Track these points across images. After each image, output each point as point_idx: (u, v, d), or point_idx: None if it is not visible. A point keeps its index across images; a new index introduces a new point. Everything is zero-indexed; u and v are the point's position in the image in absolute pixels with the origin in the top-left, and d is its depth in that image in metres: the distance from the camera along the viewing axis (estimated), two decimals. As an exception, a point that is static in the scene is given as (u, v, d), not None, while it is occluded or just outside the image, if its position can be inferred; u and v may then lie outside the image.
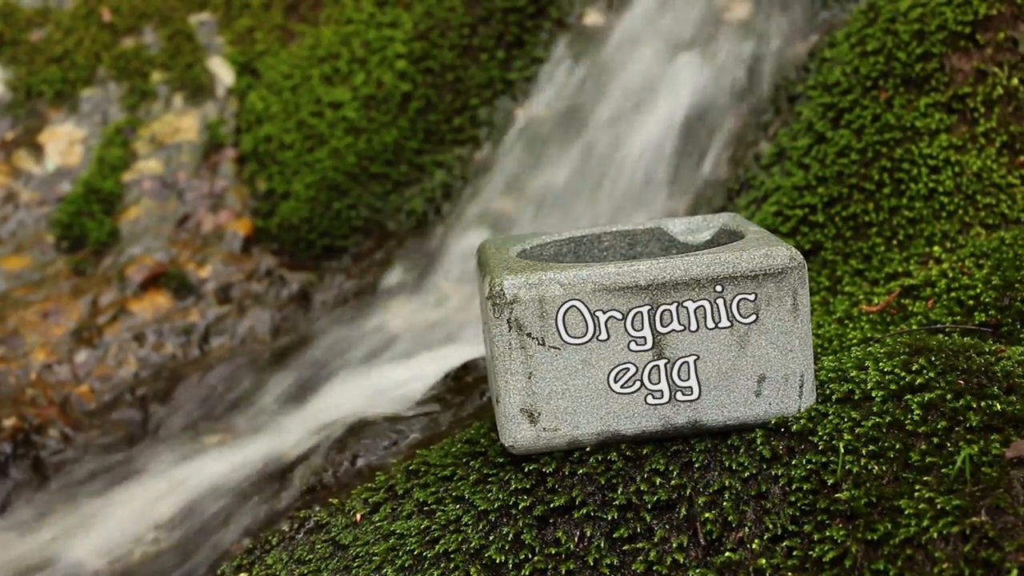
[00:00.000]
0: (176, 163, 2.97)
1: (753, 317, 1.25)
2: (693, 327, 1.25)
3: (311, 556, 1.41)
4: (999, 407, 1.23)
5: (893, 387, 1.28)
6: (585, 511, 1.27)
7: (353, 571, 1.34)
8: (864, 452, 1.22)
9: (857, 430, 1.24)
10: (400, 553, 1.32)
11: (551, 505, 1.28)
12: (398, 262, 2.70)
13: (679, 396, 1.26)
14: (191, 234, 2.84)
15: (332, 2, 3.08)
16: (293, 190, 2.83)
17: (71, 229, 2.86)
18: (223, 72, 3.10)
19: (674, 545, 1.24)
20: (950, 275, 1.64)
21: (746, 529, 1.23)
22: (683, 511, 1.26)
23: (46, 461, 2.28)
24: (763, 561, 1.20)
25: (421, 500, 1.36)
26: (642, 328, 1.25)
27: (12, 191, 2.95)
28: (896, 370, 1.30)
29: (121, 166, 2.96)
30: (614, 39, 2.79)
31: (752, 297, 1.25)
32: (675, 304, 1.24)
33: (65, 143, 3.02)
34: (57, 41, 3.16)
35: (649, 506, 1.26)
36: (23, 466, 2.26)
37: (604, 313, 1.24)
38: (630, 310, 1.24)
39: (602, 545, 1.25)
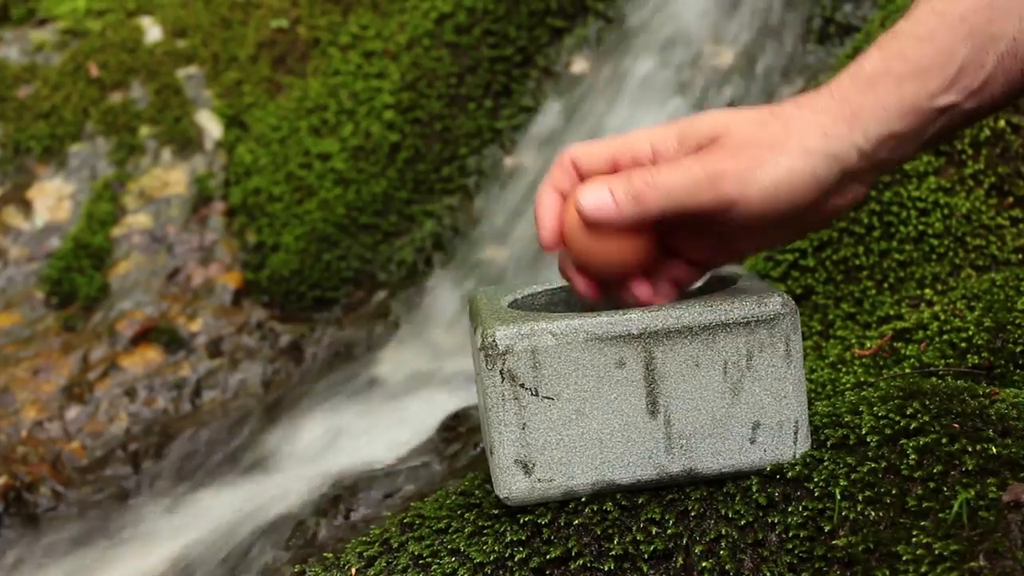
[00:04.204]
0: (165, 217, 2.97)
1: (746, 364, 1.25)
2: (686, 375, 1.25)
3: (306, 612, 1.40)
4: (994, 450, 1.22)
5: (888, 431, 1.28)
6: (581, 562, 1.26)
7: (349, 626, 1.34)
8: (860, 498, 1.22)
9: (853, 476, 1.24)
10: (396, 607, 1.31)
11: (547, 556, 1.27)
12: (389, 312, 2.70)
13: (673, 444, 1.26)
14: (181, 288, 2.83)
15: (319, 54, 3.09)
16: (283, 242, 2.83)
17: (61, 285, 2.86)
18: (211, 125, 3.11)
19: (671, 595, 1.23)
20: (942, 318, 1.64)
21: (744, 577, 1.22)
22: (680, 560, 1.25)
23: (38, 518, 2.26)
24: (761, 610, 1.19)
25: (416, 553, 1.35)
26: (635, 376, 1.24)
27: (1, 247, 2.94)
28: (890, 414, 1.30)
29: (110, 221, 2.96)
30: (601, 86, 2.80)
31: (745, 344, 1.24)
32: (668, 352, 1.24)
33: (54, 199, 3.02)
34: (45, 97, 3.17)
35: (646, 556, 1.25)
36: (15, 524, 2.25)
37: (597, 362, 1.24)
38: (623, 359, 1.24)
39: (599, 596, 1.25)
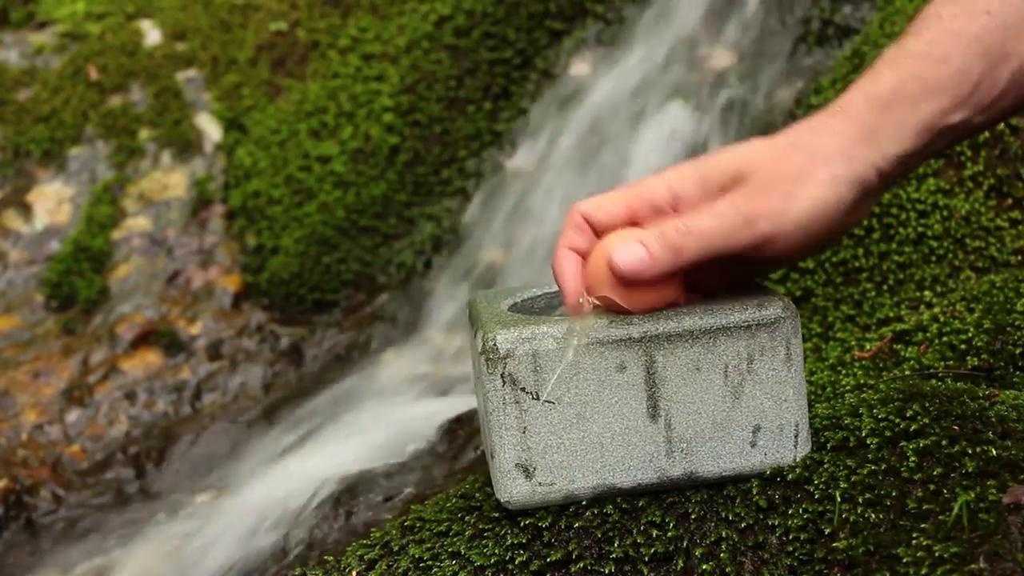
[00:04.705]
0: (165, 220, 2.97)
1: (747, 368, 1.25)
2: (687, 379, 1.25)
3: (307, 615, 1.40)
4: (994, 452, 1.23)
5: (888, 434, 1.28)
6: (582, 565, 1.26)
7: (350, 630, 1.34)
8: (861, 500, 1.22)
9: (853, 478, 1.24)
10: (397, 611, 1.31)
11: (547, 560, 1.27)
12: (389, 315, 2.70)
13: (674, 448, 1.26)
14: (181, 291, 2.83)
15: (319, 57, 3.09)
16: (282, 245, 2.83)
17: (60, 288, 2.86)
18: (210, 128, 3.11)
19: (672, 598, 1.23)
20: (941, 319, 1.64)
21: (744, 580, 1.22)
22: (680, 563, 1.25)
23: (38, 522, 2.26)
24: (762, 612, 1.19)
25: (417, 556, 1.35)
26: (636, 380, 1.24)
27: (1, 251, 2.95)
28: (890, 417, 1.30)
29: (110, 224, 2.96)
30: (600, 88, 2.80)
31: (746, 348, 1.24)
32: (669, 355, 1.24)
33: (53, 202, 3.02)
34: (44, 100, 3.17)
35: (646, 559, 1.25)
36: (15, 528, 2.25)
37: (598, 366, 1.24)
38: (624, 362, 1.24)
39: (600, 599, 1.25)
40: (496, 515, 1.34)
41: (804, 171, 1.18)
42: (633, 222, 1.23)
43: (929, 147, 1.21)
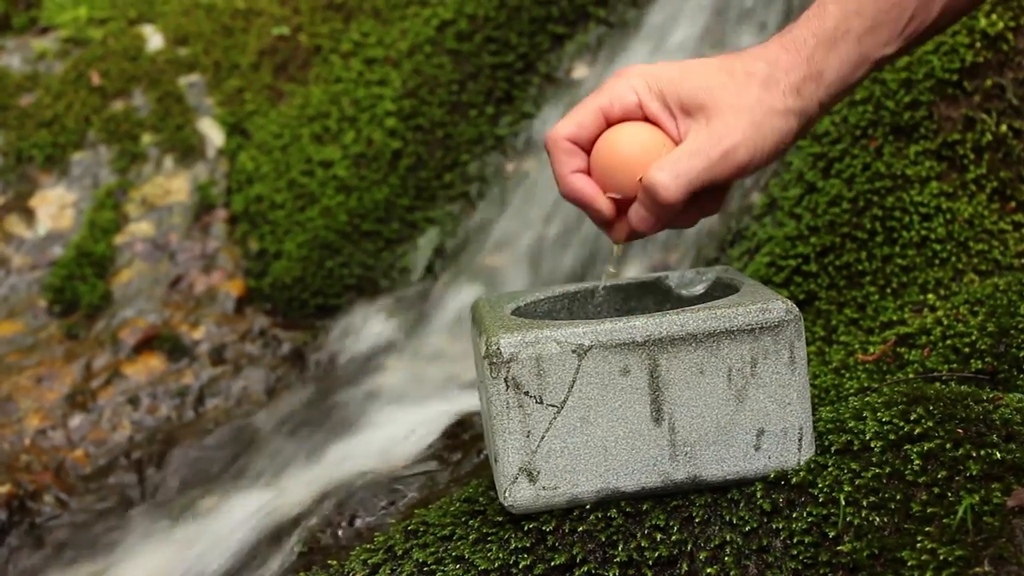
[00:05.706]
0: (167, 225, 2.97)
1: (750, 371, 1.25)
2: (690, 382, 1.25)
3: (311, 620, 1.40)
4: (999, 455, 1.23)
5: (892, 437, 1.28)
6: (586, 569, 1.26)
7: (354, 634, 1.34)
8: (865, 504, 1.22)
9: (857, 481, 1.24)
10: (401, 615, 1.31)
11: (552, 563, 1.27)
12: (391, 319, 2.70)
13: (678, 452, 1.26)
14: (184, 296, 2.83)
15: (321, 61, 3.09)
16: (285, 249, 2.83)
17: (63, 293, 2.86)
18: (213, 133, 3.11)
19: (676, 601, 1.23)
20: (945, 323, 1.64)
21: (748, 584, 1.22)
22: (684, 567, 1.25)
23: (41, 527, 2.26)
24: (766, 616, 1.19)
25: (421, 560, 1.35)
26: (640, 384, 1.24)
27: (4, 256, 2.95)
28: (894, 420, 1.30)
29: (113, 229, 2.96)
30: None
31: (749, 351, 1.24)
32: (672, 359, 1.24)
33: (56, 207, 3.02)
34: (47, 105, 3.17)
35: (650, 562, 1.26)
36: (18, 533, 2.24)
37: (602, 370, 1.24)
38: (627, 366, 1.24)
39: (604, 603, 1.25)
40: (500, 519, 1.34)
41: (763, 103, 1.28)
42: (607, 122, 1.33)
43: (863, 77, 1.33)
